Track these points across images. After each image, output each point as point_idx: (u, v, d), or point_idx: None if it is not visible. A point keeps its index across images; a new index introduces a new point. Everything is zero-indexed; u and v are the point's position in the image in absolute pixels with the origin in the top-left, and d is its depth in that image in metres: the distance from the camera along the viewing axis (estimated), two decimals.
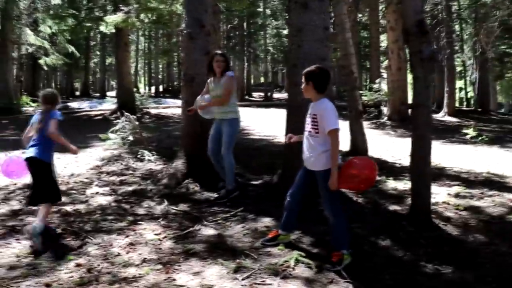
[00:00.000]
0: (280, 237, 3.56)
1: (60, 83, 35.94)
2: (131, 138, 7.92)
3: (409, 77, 15.03)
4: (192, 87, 5.48)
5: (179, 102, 17.18)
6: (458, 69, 26.93)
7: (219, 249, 3.50)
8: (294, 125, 4.43)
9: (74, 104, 21.72)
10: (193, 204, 4.76)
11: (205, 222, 4.14)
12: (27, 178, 4.06)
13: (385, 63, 16.31)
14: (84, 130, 11.36)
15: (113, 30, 14.74)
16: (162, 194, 5.09)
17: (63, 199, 4.40)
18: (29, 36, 17.80)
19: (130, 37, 20.85)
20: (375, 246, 3.57)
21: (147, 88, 39.54)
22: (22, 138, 4.01)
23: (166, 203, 4.77)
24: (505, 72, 23.21)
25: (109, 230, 3.99)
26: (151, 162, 6.78)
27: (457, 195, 5.01)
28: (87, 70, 35.12)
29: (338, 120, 3.16)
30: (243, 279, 2.98)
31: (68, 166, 6.63)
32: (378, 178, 5.30)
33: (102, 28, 14.31)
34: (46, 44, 18.64)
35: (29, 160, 3.80)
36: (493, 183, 5.62)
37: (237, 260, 3.26)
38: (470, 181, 5.78)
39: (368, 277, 3.04)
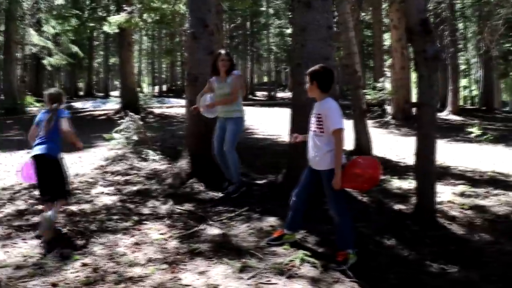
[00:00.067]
0: (285, 237, 3.56)
1: (64, 83, 36.06)
2: (135, 137, 7.94)
3: (413, 76, 15.01)
4: (196, 87, 5.48)
5: (182, 102, 17.32)
6: (462, 67, 26.85)
7: (224, 249, 3.51)
8: (299, 124, 4.44)
9: (77, 104, 21.85)
10: (198, 203, 4.76)
11: (210, 222, 4.15)
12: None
13: (389, 61, 16.24)
14: (88, 130, 11.38)
15: (117, 30, 14.77)
16: (167, 193, 5.10)
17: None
18: (33, 36, 17.89)
19: (133, 37, 20.88)
20: (380, 246, 3.56)
21: (150, 87, 39.61)
22: (28, 138, 4.04)
23: (171, 202, 4.78)
24: (509, 70, 23.09)
25: (114, 229, 4.01)
26: (155, 162, 6.80)
27: (462, 194, 5.00)
28: (90, 70, 35.28)
29: (343, 119, 3.16)
30: (248, 279, 2.99)
31: (73, 166, 6.65)
32: (382, 177, 5.29)
33: (106, 28, 14.33)
34: (50, 45, 18.72)
35: (37, 157, 3.81)
36: (498, 182, 5.61)
37: (243, 260, 3.26)
38: (475, 180, 5.76)
39: (373, 276, 3.04)
